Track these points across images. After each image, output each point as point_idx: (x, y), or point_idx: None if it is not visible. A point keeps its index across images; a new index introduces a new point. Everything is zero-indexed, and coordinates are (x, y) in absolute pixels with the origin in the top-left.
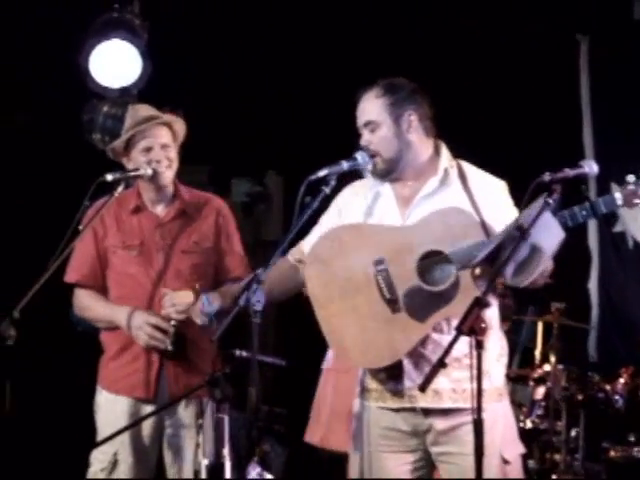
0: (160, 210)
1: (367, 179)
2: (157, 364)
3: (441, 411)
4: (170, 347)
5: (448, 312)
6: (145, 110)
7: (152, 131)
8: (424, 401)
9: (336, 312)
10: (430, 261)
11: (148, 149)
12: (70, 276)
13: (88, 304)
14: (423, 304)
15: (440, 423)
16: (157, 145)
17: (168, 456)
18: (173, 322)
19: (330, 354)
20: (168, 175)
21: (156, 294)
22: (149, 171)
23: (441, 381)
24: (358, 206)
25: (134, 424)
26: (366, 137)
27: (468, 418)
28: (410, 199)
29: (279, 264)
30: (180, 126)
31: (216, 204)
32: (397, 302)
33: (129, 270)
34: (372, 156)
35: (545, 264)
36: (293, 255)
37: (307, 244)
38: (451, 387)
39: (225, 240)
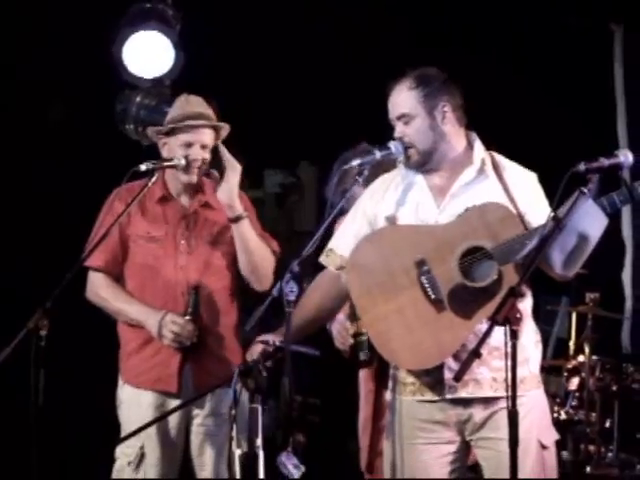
0: (185, 201)
1: (396, 170)
2: (180, 357)
3: (482, 400)
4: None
5: (493, 307)
6: (198, 105)
7: (199, 129)
8: (465, 391)
9: (381, 315)
10: (472, 258)
11: (189, 144)
12: (92, 261)
13: (108, 297)
14: (468, 301)
15: (480, 412)
16: (198, 143)
17: (195, 445)
18: (188, 317)
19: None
20: (198, 174)
21: (179, 285)
22: (182, 161)
23: (482, 371)
24: (390, 197)
25: (161, 418)
26: (400, 129)
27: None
28: (445, 189)
29: (319, 281)
30: (225, 132)
31: (241, 196)
32: (442, 301)
33: (151, 262)
34: (406, 148)
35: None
36: (334, 263)
37: (342, 244)
38: (492, 376)
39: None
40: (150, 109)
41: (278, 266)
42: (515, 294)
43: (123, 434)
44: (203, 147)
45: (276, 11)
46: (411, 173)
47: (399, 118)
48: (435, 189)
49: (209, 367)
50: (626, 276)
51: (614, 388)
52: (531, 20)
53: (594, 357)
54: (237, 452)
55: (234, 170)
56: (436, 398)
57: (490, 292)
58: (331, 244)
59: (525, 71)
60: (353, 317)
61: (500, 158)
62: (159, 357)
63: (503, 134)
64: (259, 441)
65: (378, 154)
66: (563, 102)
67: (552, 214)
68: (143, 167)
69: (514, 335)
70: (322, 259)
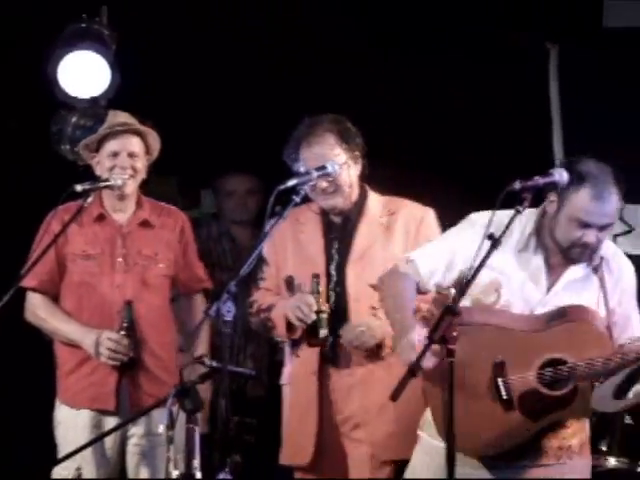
0: (122, 219)
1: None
2: (116, 375)
3: (543, 465)
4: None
5: (562, 417)
6: (123, 117)
7: (123, 137)
8: (532, 459)
9: (447, 403)
10: (551, 370)
11: (115, 154)
12: (29, 281)
13: (45, 317)
14: (538, 405)
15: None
16: (125, 152)
17: (131, 466)
18: (123, 332)
19: (286, 369)
20: (130, 184)
21: (115, 304)
22: (119, 181)
23: (549, 439)
24: (499, 259)
25: (98, 439)
26: None
27: (560, 467)
28: (553, 280)
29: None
30: (154, 140)
31: (181, 217)
32: (512, 403)
33: (87, 280)
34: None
35: None
36: (416, 273)
37: (423, 265)
38: (557, 445)
39: (191, 252)
40: (86, 129)
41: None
42: (451, 313)
43: (60, 455)
44: (131, 155)
45: (212, 31)
46: (530, 244)
47: None
48: (550, 274)
49: (146, 385)
50: None
51: None
52: (466, 38)
53: None
54: (174, 473)
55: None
56: (499, 462)
57: (563, 402)
58: (414, 255)
59: (461, 89)
60: (316, 293)
61: (609, 247)
62: (96, 376)
63: (440, 154)
64: (196, 462)
65: (315, 173)
66: (499, 120)
67: (489, 234)
68: (79, 188)
69: (450, 354)
70: (401, 265)
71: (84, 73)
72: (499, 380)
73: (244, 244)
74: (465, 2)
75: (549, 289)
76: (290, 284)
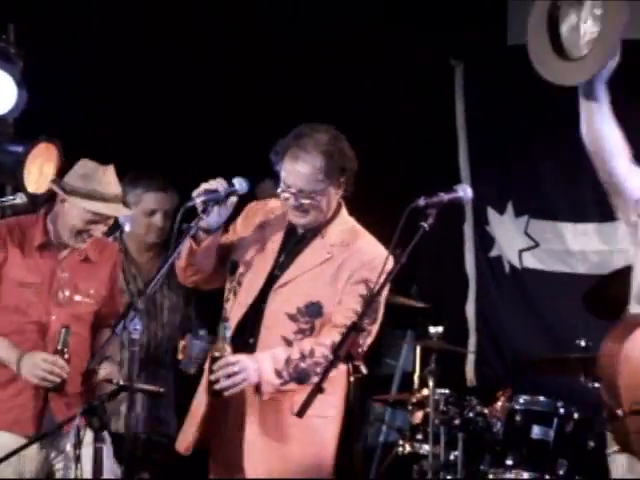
0: (64, 252)
1: None
2: (41, 399)
3: None
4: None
5: None
6: (115, 185)
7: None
8: None
9: None
10: None
11: (92, 222)
12: None
13: None
14: None
15: None
16: (102, 222)
17: None
18: (58, 355)
19: None
20: (82, 245)
21: (47, 333)
22: (25, 198)
23: None
24: None
25: (13, 454)
26: None
27: None
28: None
29: None
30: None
31: (114, 251)
32: None
33: (23, 307)
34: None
35: None
36: None
37: None
38: None
39: (116, 288)
40: None
41: None
42: (357, 329)
43: None
44: (105, 221)
45: (122, 50)
46: None
47: None
48: None
49: (70, 412)
50: (469, 310)
51: (458, 421)
52: (372, 55)
53: (438, 390)
54: None
55: None
56: None
57: None
58: None
59: (366, 104)
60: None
61: None
62: (20, 398)
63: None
64: None
65: (223, 192)
66: (405, 137)
67: (393, 252)
68: None
69: (356, 370)
70: None
71: None
72: None
73: (147, 272)
74: (369, 18)
75: None
76: (232, 269)
